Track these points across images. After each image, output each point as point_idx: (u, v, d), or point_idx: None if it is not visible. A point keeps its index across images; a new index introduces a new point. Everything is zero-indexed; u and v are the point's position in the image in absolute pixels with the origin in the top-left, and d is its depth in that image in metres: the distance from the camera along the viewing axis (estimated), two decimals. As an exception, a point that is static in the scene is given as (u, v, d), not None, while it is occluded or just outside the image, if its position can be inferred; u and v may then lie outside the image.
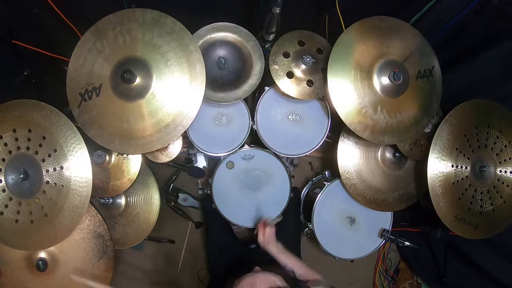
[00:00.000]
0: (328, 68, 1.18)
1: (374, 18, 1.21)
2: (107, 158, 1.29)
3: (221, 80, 1.32)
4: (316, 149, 1.47)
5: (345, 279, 1.94)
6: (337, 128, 1.46)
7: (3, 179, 1.08)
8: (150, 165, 1.48)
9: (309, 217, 1.54)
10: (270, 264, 1.19)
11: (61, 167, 1.09)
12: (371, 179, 1.46)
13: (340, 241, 1.54)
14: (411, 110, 1.24)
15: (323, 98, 1.41)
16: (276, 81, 1.28)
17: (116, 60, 1.09)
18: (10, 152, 1.08)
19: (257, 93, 1.52)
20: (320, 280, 1.18)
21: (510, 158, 1.34)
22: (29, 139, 1.08)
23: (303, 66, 1.29)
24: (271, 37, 1.27)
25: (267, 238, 1.29)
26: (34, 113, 1.09)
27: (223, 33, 1.28)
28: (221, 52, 1.31)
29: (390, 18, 1.22)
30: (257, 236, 1.30)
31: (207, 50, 1.28)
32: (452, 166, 1.26)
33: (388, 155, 1.47)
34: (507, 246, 1.39)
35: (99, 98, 1.09)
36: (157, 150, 1.42)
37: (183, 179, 1.88)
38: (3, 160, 1.08)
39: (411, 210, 1.53)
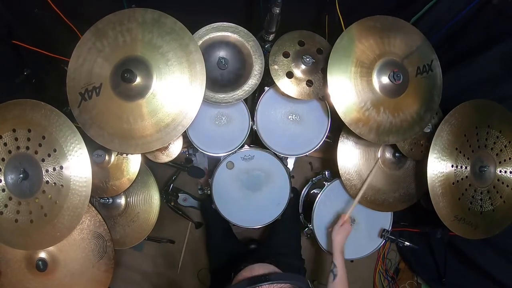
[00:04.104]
0: (328, 67, 1.18)
1: (374, 18, 1.21)
2: (107, 157, 1.29)
3: (221, 80, 1.32)
4: (316, 149, 1.47)
5: (345, 279, 1.94)
6: (337, 128, 1.46)
7: (2, 178, 1.08)
8: (150, 165, 1.48)
9: (309, 217, 1.53)
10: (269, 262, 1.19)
11: (61, 167, 1.09)
12: (371, 179, 1.46)
13: (340, 241, 1.54)
14: (413, 107, 1.24)
15: (323, 98, 1.41)
16: (276, 81, 1.28)
17: (116, 59, 1.09)
18: (9, 151, 1.08)
19: (257, 93, 1.52)
20: None
21: (510, 158, 1.34)
22: (28, 139, 1.08)
23: (303, 66, 1.29)
24: (271, 37, 1.27)
25: (343, 230, 1.34)
26: (33, 113, 1.08)
27: (223, 33, 1.28)
28: (221, 52, 1.31)
29: (390, 17, 1.22)
30: (337, 221, 1.37)
31: (207, 50, 1.28)
32: (452, 166, 1.26)
33: (388, 155, 1.47)
34: (507, 246, 1.39)
35: (99, 98, 1.09)
36: (157, 150, 1.42)
37: (183, 179, 1.88)
38: (3, 159, 1.08)
39: (411, 210, 1.53)
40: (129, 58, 1.09)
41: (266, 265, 0.94)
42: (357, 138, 1.40)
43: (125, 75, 1.03)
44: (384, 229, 1.53)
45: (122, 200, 1.47)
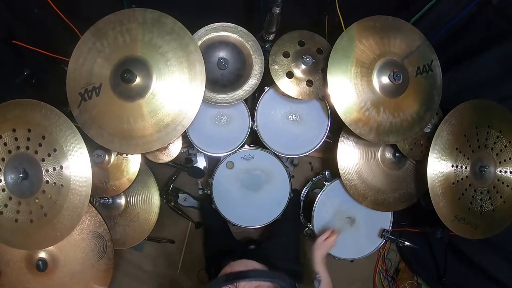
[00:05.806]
0: (328, 68, 1.18)
1: (374, 18, 1.21)
2: (107, 158, 1.29)
3: (221, 81, 1.32)
4: (316, 149, 1.47)
5: (345, 279, 1.94)
6: (337, 128, 1.46)
7: (2, 178, 1.08)
8: (150, 165, 1.48)
9: (309, 217, 1.53)
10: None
11: (61, 167, 1.09)
12: (371, 179, 1.46)
13: (340, 241, 1.53)
14: (413, 107, 1.24)
15: (323, 98, 1.41)
16: (276, 81, 1.28)
17: (116, 60, 1.09)
18: (9, 151, 1.08)
19: (257, 93, 1.52)
20: None
21: (510, 158, 1.34)
22: (28, 139, 1.08)
23: (303, 66, 1.29)
24: (271, 37, 1.27)
25: (327, 244, 1.31)
26: (33, 112, 1.09)
27: (223, 33, 1.28)
28: (221, 52, 1.31)
29: (390, 17, 1.22)
30: (319, 236, 1.34)
31: (207, 51, 1.28)
32: (452, 166, 1.26)
33: (388, 155, 1.47)
34: (507, 246, 1.39)
35: (99, 98, 1.09)
36: (157, 150, 1.42)
37: (183, 179, 1.88)
38: (3, 159, 1.08)
39: (411, 210, 1.53)
40: (129, 58, 1.09)
41: (248, 262, 0.93)
42: (357, 138, 1.40)
43: (125, 75, 1.03)
44: (384, 229, 1.53)
45: (122, 200, 1.47)
